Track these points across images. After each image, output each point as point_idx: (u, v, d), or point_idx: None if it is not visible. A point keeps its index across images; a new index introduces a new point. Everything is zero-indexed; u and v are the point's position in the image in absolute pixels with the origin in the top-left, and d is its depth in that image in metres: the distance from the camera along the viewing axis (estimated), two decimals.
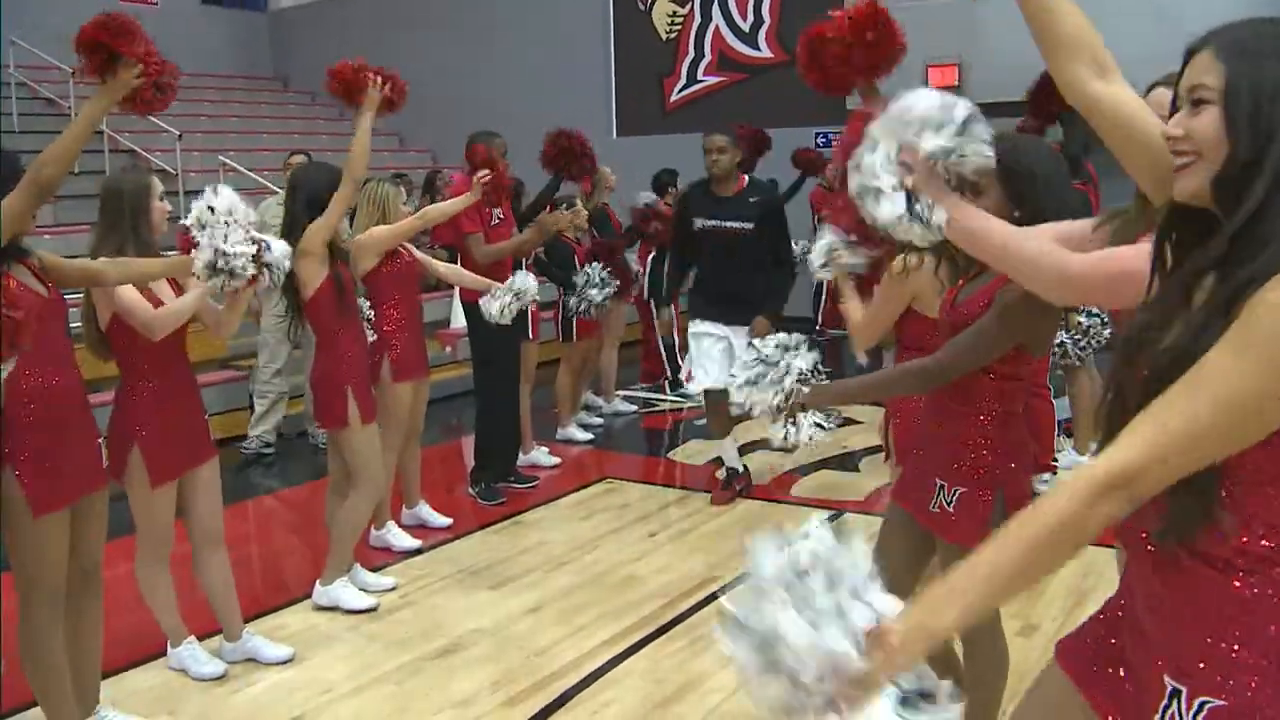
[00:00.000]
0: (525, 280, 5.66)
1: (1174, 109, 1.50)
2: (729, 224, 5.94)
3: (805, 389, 2.89)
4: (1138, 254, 1.89)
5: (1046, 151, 2.75)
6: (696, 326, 6.11)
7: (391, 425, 5.28)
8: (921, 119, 2.00)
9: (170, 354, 3.88)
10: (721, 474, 6.48)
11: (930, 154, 1.99)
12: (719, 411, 6.08)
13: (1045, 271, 1.92)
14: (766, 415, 2.96)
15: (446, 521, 5.90)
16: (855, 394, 2.96)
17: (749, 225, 5.92)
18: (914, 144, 2.00)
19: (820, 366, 2.95)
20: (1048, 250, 1.94)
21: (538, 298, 5.83)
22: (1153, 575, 1.52)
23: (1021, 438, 2.91)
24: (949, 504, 2.86)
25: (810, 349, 2.96)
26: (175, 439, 3.89)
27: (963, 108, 2.02)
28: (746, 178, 6.12)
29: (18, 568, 3.32)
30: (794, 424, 2.96)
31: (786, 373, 2.92)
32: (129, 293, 3.68)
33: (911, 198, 2.03)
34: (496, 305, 5.56)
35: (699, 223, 6.05)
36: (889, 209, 2.05)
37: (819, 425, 2.99)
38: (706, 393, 6.16)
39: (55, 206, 10.18)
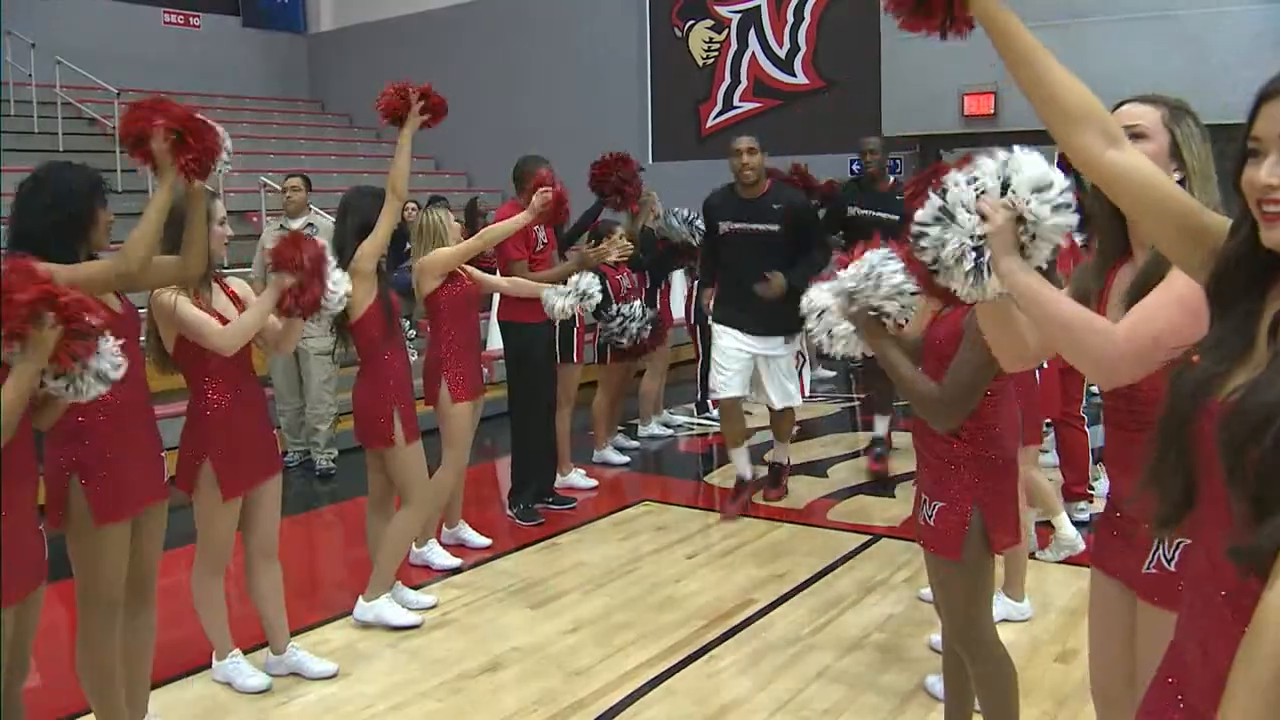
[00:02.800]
0: (592, 283, 5.87)
1: (1245, 154, 1.46)
2: (755, 226, 6.16)
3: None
4: (1169, 304, 1.90)
5: None
6: (721, 336, 6.32)
7: (455, 445, 5.41)
8: (1028, 177, 1.96)
9: (238, 368, 3.98)
10: (731, 483, 6.66)
11: (1020, 214, 1.96)
12: (733, 419, 6.44)
13: (1091, 338, 1.90)
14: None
15: (486, 541, 5.95)
16: (892, 362, 3.02)
17: (774, 227, 6.12)
18: (1010, 199, 1.96)
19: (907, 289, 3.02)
20: (1099, 322, 1.93)
21: (591, 303, 5.93)
22: (1234, 625, 1.41)
23: (1002, 457, 3.04)
24: (929, 518, 3.05)
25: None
26: (246, 453, 3.99)
27: (1060, 185, 1.97)
28: (771, 181, 6.33)
29: (79, 575, 3.39)
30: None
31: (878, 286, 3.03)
32: (193, 312, 3.77)
33: (981, 259, 2.00)
34: (561, 301, 5.69)
35: (724, 226, 6.31)
36: (955, 246, 2.01)
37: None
38: (722, 402, 6.43)
39: None
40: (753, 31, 13.99)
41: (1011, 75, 1.79)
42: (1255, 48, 9.18)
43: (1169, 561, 2.17)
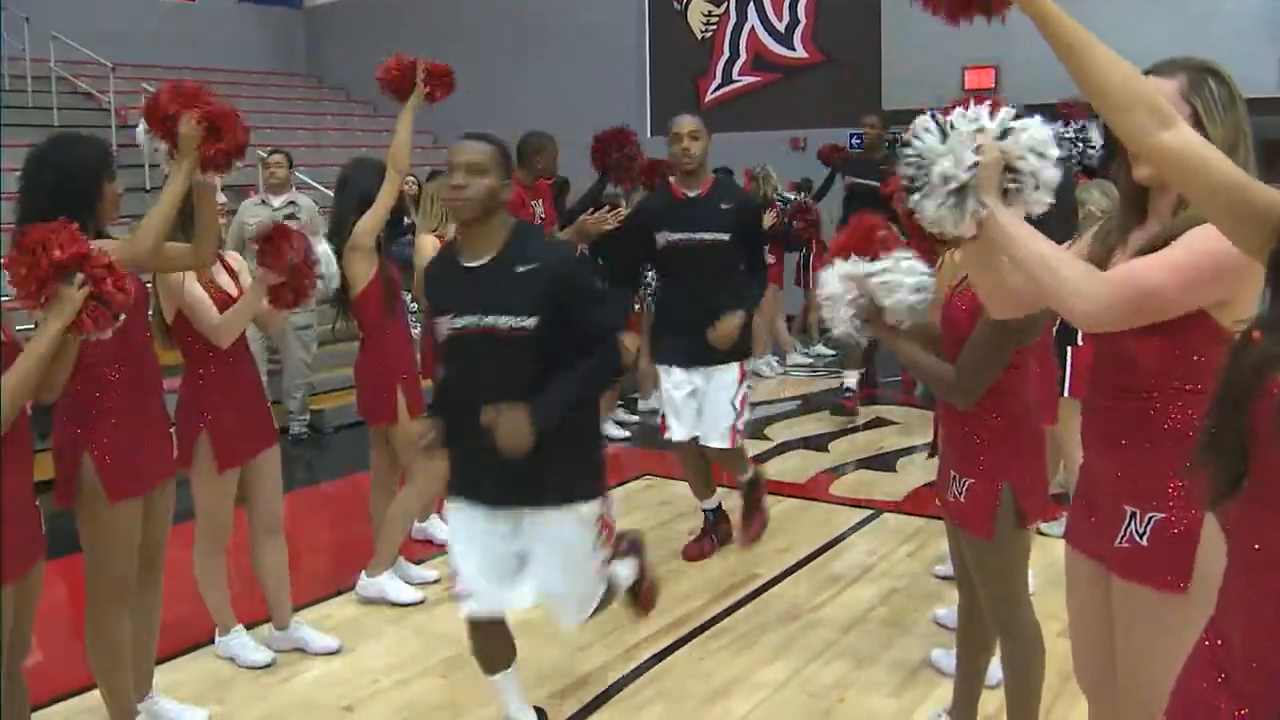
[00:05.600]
0: None
1: None
2: (702, 236, 4.91)
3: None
4: (1165, 265, 1.94)
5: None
6: (667, 376, 5.15)
7: None
8: (1031, 136, 2.05)
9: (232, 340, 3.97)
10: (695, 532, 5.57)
11: (1009, 163, 2.04)
12: (695, 469, 5.36)
13: (1072, 272, 1.95)
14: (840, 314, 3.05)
15: None
16: (903, 353, 3.02)
17: (724, 236, 4.90)
18: (1009, 150, 2.04)
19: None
20: (1081, 267, 1.97)
21: None
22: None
23: (1032, 432, 3.04)
24: (960, 494, 3.01)
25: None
26: (241, 425, 3.98)
27: (1053, 161, 2.06)
28: (714, 177, 5.11)
29: (89, 553, 3.38)
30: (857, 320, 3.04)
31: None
32: (198, 293, 3.76)
33: (965, 189, 2.04)
34: None
35: (664, 237, 5.01)
36: (947, 167, 2.05)
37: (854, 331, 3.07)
38: (679, 445, 5.25)
39: None
40: (752, 5, 13.88)
41: (1060, 61, 1.78)
42: (1255, 40, 9.15)
43: (1141, 536, 2.16)
